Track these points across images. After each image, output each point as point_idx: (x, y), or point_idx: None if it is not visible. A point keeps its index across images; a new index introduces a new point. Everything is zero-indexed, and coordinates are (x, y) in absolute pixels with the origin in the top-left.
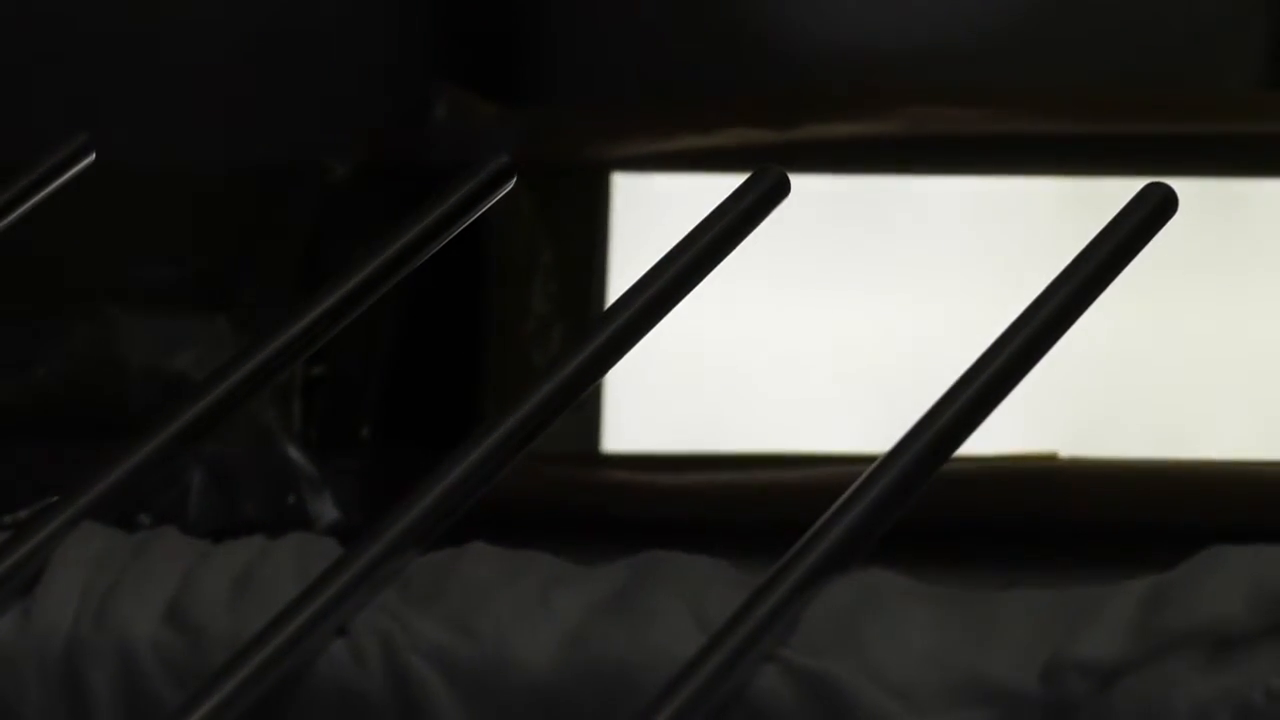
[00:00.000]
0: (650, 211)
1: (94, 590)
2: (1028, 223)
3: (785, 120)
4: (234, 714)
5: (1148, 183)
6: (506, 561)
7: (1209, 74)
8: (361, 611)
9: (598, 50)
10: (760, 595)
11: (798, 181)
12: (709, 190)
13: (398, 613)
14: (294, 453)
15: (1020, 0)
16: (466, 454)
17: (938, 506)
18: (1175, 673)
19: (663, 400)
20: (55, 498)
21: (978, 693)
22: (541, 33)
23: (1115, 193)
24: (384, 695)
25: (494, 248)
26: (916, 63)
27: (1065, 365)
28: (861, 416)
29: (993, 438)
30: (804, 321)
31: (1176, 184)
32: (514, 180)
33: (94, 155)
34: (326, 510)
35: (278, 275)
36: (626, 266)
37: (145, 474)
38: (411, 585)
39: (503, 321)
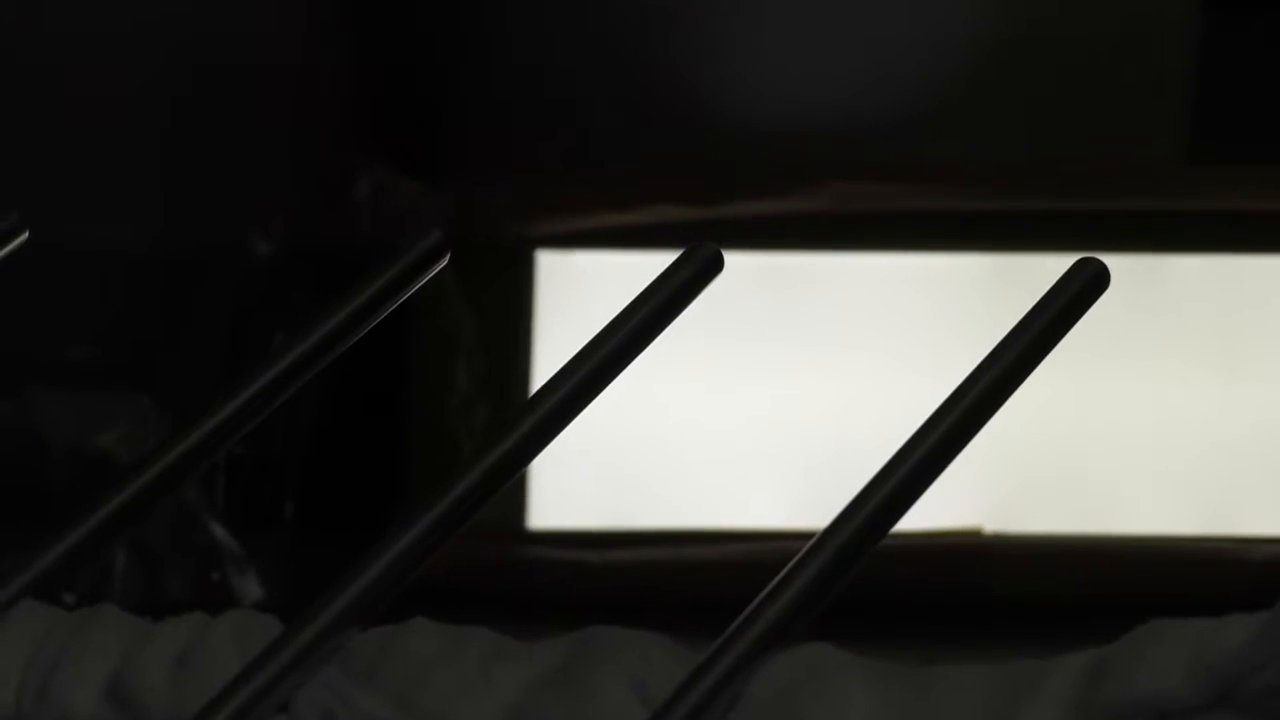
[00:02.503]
0: (574, 287)
1: (36, 668)
2: (953, 299)
3: (708, 197)
4: None
5: (1080, 257)
6: (447, 636)
7: (1131, 148)
8: (303, 689)
9: (523, 125)
10: (702, 670)
11: (734, 259)
12: (632, 266)
13: (340, 689)
14: (218, 530)
15: (943, 77)
16: (402, 534)
17: (862, 581)
18: None
19: (587, 476)
20: None
21: None
22: (464, 108)
23: (1038, 268)
24: None
25: (418, 324)
26: (840, 140)
27: (989, 440)
28: (786, 493)
29: (918, 512)
30: (727, 398)
31: (1107, 259)
32: (447, 258)
33: (28, 234)
34: (251, 588)
35: (202, 354)
36: (551, 342)
37: (78, 557)
38: (353, 661)
39: (427, 398)
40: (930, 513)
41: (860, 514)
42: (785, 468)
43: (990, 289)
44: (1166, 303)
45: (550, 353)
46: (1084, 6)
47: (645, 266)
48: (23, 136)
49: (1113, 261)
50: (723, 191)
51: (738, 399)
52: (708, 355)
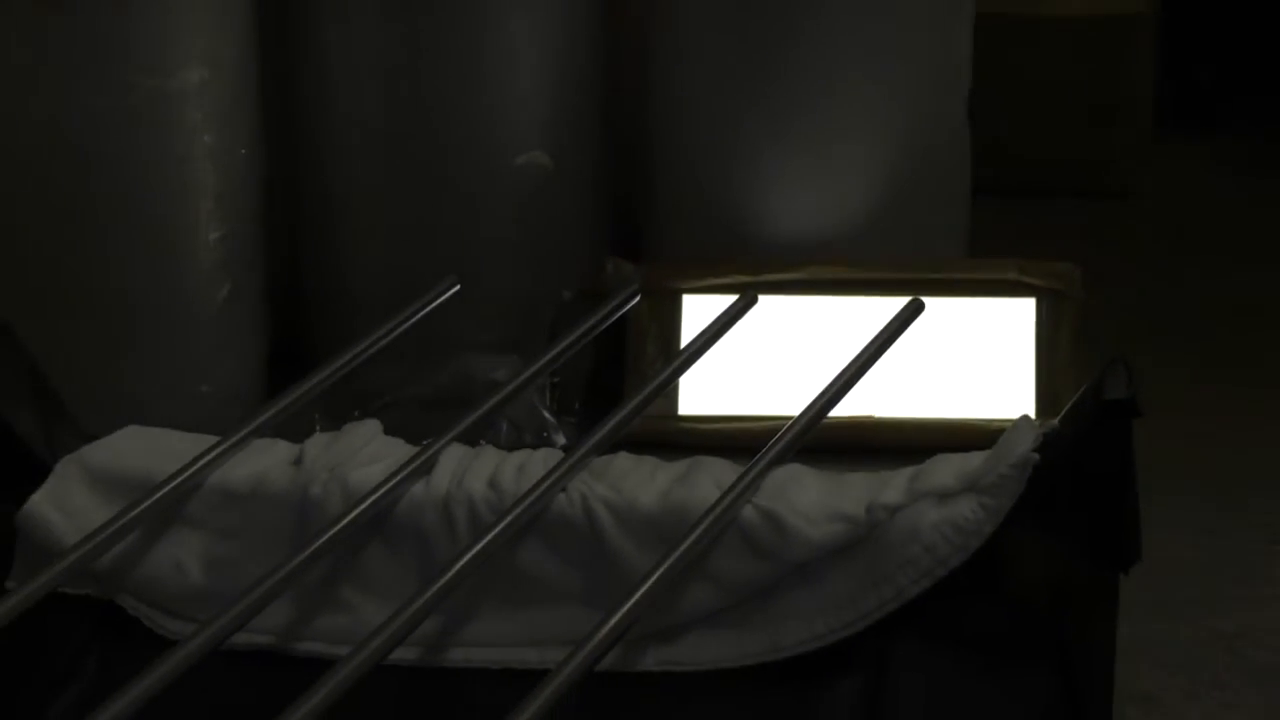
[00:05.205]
0: (697, 311)
1: (459, 473)
2: (862, 317)
3: (756, 269)
4: (514, 529)
5: (911, 298)
6: (634, 461)
7: (944, 247)
8: (571, 482)
9: (679, 235)
10: (744, 475)
11: (764, 299)
12: (721, 302)
13: (588, 482)
14: (547, 414)
15: (861, 214)
16: (617, 414)
17: (819, 440)
18: (922, 510)
19: (705, 390)
20: (434, 437)
21: (838, 516)
22: (648, 230)
23: (894, 303)
24: (581, 520)
25: (631, 327)
26: (818, 242)
27: (875, 373)
28: (772, 392)
29: (842, 407)
30: (768, 356)
31: (925, 299)
32: (639, 297)
33: (459, 286)
34: (560, 439)
35: (538, 336)
36: (687, 335)
37: (480, 426)
38: (593, 469)
39: (635, 357)
40: (848, 408)
41: (812, 410)
42: (778, 382)
43: (875, 313)
44: (953, 318)
45: (685, 339)
46: (923, 183)
47: (724, 302)
48: (450, 223)
49: (928, 301)
50: (763, 267)
51: (773, 355)
52: (757, 341)
